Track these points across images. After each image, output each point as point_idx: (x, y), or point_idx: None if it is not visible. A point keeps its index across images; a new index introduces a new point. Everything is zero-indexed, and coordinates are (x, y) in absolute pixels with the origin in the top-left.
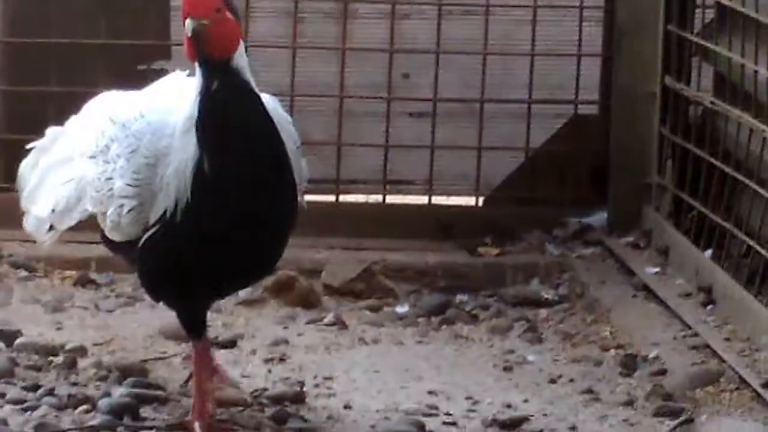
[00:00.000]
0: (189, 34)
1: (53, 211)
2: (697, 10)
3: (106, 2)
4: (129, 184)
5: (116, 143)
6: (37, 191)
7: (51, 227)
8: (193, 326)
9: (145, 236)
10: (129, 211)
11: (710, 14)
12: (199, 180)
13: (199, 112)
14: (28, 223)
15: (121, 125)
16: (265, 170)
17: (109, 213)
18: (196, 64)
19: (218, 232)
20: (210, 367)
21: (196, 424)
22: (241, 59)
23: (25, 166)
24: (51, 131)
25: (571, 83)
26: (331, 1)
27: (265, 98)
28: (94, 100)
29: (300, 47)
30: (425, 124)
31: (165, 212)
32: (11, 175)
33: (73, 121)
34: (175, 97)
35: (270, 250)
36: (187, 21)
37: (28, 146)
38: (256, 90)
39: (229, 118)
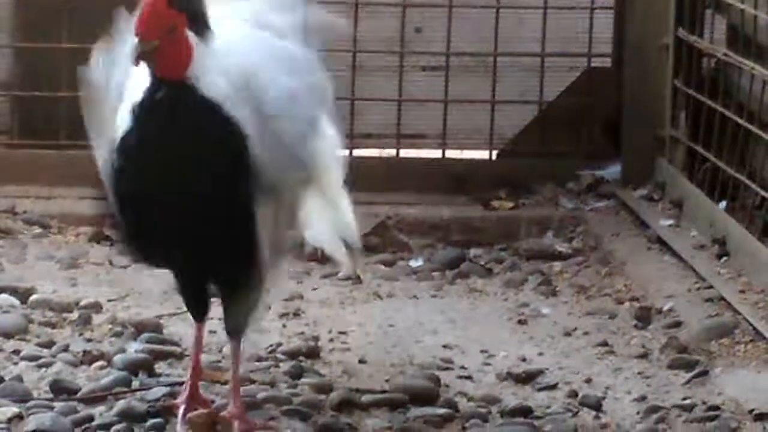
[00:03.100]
0: (134, 57)
1: None
2: None
3: None
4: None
5: None
6: None
7: None
8: (185, 303)
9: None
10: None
11: None
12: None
13: (136, 112)
14: None
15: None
16: (197, 193)
17: None
18: None
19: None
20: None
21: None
22: (201, 68)
23: None
24: None
25: (584, 36)
26: None
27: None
28: None
29: (312, 1)
30: (438, 78)
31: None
32: (25, 132)
33: None
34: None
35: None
36: (135, 42)
37: None
38: (218, 103)
39: (161, 134)
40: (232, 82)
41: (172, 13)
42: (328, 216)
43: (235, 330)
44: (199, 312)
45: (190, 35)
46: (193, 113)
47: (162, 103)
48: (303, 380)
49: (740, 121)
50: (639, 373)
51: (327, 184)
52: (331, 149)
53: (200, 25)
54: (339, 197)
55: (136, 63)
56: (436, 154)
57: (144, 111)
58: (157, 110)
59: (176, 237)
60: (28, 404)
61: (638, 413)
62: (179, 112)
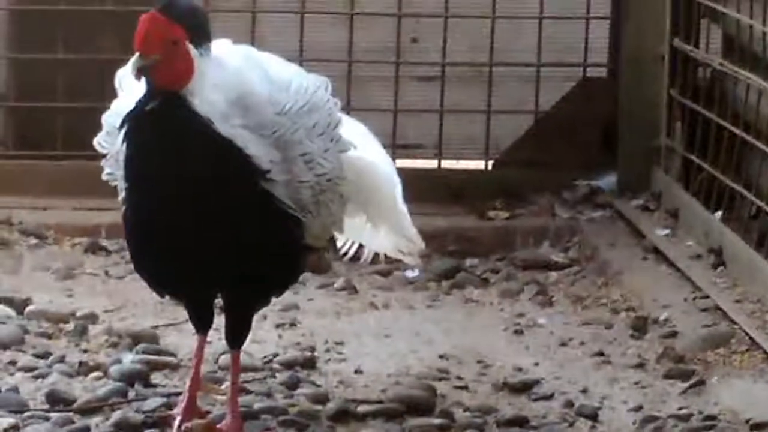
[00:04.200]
0: (134, 72)
1: None
2: None
3: None
4: (101, 143)
5: None
6: None
7: None
8: (189, 315)
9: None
10: (108, 175)
11: None
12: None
13: (126, 123)
14: None
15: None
16: (194, 205)
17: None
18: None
19: (150, 238)
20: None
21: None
22: (198, 82)
23: None
24: None
25: (579, 46)
26: None
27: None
28: None
29: (308, 12)
30: (434, 88)
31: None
32: (20, 142)
33: None
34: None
35: (236, 259)
36: (134, 58)
37: None
38: (209, 119)
39: (154, 146)
40: (228, 98)
41: (173, 27)
42: (387, 224)
43: (237, 340)
44: (204, 324)
45: (191, 48)
46: (180, 128)
47: (151, 115)
48: (299, 390)
49: (736, 130)
50: (635, 383)
51: (377, 195)
52: (371, 161)
53: (200, 38)
54: (395, 207)
55: (138, 78)
56: (432, 164)
57: (133, 122)
58: (146, 122)
59: (185, 250)
60: (24, 415)
61: (635, 423)
62: (166, 126)
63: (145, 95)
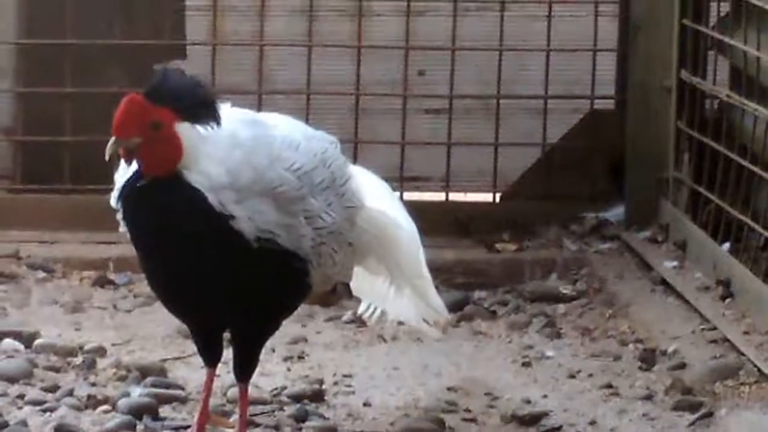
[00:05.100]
0: (107, 158)
1: None
2: (712, 4)
3: (122, 2)
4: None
5: None
6: None
7: None
8: (197, 348)
9: None
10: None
11: (725, 7)
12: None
13: (120, 201)
14: None
15: None
16: (188, 273)
17: None
18: None
19: (157, 284)
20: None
21: None
22: (192, 158)
23: None
24: None
25: (587, 78)
26: None
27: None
28: None
29: (316, 45)
30: (442, 120)
31: None
32: (29, 176)
33: None
34: None
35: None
36: (110, 142)
37: None
38: (200, 193)
39: (148, 223)
40: (232, 172)
41: (153, 110)
42: (410, 285)
43: (245, 374)
44: (212, 357)
45: (183, 127)
46: (172, 204)
47: (142, 192)
48: (308, 423)
49: (743, 162)
50: (644, 415)
51: (399, 249)
52: (394, 218)
53: (196, 115)
54: (418, 264)
55: (127, 161)
56: (440, 196)
57: (126, 201)
58: (138, 200)
59: (192, 300)
60: None
61: None
62: (157, 203)
63: (135, 171)
